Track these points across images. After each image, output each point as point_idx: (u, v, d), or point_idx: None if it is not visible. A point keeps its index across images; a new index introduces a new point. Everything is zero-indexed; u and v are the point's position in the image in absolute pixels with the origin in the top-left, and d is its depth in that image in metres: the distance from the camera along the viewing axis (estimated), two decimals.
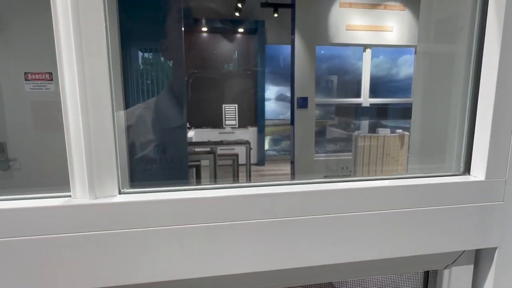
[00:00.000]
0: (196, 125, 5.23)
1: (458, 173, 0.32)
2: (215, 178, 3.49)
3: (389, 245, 0.28)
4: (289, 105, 6.22)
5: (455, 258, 0.30)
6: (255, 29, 5.35)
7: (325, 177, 1.64)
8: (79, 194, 0.20)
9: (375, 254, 0.28)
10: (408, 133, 2.54)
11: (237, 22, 5.16)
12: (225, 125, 5.43)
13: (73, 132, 0.20)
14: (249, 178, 4.00)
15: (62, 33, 0.21)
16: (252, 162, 4.72)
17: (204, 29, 5.15)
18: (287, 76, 6.20)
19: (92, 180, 0.20)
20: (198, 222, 0.21)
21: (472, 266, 0.31)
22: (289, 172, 4.70)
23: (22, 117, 2.53)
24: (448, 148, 0.36)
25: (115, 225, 0.19)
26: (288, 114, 6.23)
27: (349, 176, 2.32)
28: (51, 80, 2.60)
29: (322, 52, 6.23)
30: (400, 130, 2.60)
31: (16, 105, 2.51)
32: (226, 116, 5.47)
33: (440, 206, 0.29)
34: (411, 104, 4.89)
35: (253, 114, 5.64)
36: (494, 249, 0.29)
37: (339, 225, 0.28)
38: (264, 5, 4.71)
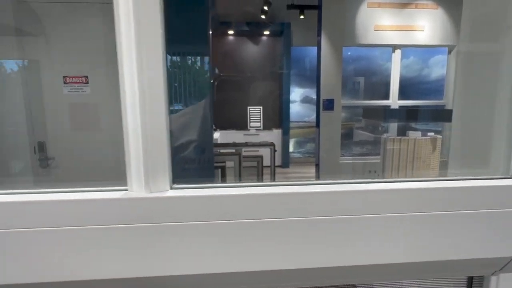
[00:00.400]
0: (221, 127, 5.30)
1: (508, 176, 0.30)
2: (239, 179, 3.52)
3: (432, 248, 0.27)
4: (314, 107, 6.16)
5: (504, 264, 0.28)
6: (281, 31, 5.35)
7: None
8: (135, 188, 0.22)
9: (416, 257, 0.27)
10: (440, 137, 2.43)
11: (263, 25, 5.18)
12: (250, 127, 5.47)
13: (132, 132, 0.21)
14: (273, 180, 4.00)
15: (124, 40, 0.23)
16: (276, 164, 4.71)
17: (231, 32, 5.22)
18: (313, 78, 6.14)
19: (148, 176, 0.22)
20: (242, 217, 0.22)
21: None
22: (314, 174, 4.65)
23: (60, 118, 2.68)
24: (494, 150, 0.34)
25: (167, 218, 0.21)
26: (313, 116, 6.16)
27: None
28: (87, 83, 2.74)
29: (349, 53, 6.12)
30: (432, 133, 2.50)
31: (55, 107, 2.67)
32: (251, 118, 5.50)
33: (488, 209, 0.27)
34: (443, 106, 4.70)
35: (278, 116, 5.64)
36: None
37: (379, 226, 0.27)
38: (290, 7, 4.70)
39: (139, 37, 0.21)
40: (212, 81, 3.61)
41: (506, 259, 0.29)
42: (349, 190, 0.26)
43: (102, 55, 2.66)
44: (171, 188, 0.22)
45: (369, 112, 4.66)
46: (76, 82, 2.69)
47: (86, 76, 2.69)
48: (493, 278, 0.29)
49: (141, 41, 0.21)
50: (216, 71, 5.22)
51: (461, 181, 0.29)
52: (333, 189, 0.23)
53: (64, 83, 2.68)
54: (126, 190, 0.23)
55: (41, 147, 2.77)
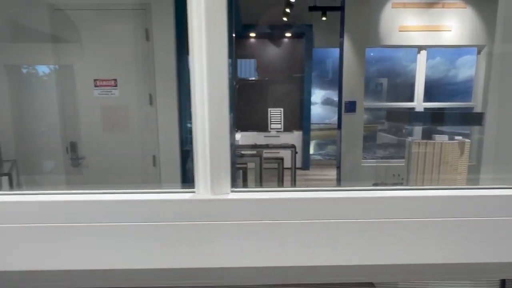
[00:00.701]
0: (242, 129, 5.36)
1: None
2: (260, 181, 3.56)
3: (463, 250, 0.29)
4: (335, 109, 6.10)
5: None
6: (303, 33, 5.35)
7: (374, 184, 1.63)
8: (201, 191, 0.25)
9: (450, 258, 0.29)
10: (468, 140, 2.36)
11: (284, 27, 5.20)
12: (270, 128, 5.49)
13: (201, 142, 0.25)
14: (294, 181, 4.01)
15: (196, 53, 0.26)
16: (297, 166, 4.70)
17: (252, 34, 5.28)
18: (334, 80, 6.09)
19: (212, 181, 0.25)
20: (297, 218, 0.25)
21: None
22: (335, 177, 4.61)
23: (91, 120, 2.82)
24: None
25: (227, 217, 0.24)
26: (334, 118, 6.10)
27: (401, 184, 2.23)
28: (116, 86, 2.86)
29: (372, 54, 6.02)
30: (460, 137, 2.43)
31: (87, 108, 2.81)
32: (272, 120, 5.53)
33: None
34: (471, 108, 4.53)
35: (299, 118, 5.63)
36: None
37: (409, 229, 0.29)
38: (312, 8, 4.70)
39: (208, 48, 0.24)
40: (234, 84, 3.67)
41: None
42: (388, 196, 0.28)
43: (131, 59, 2.77)
44: (231, 192, 0.25)
45: (392, 115, 4.57)
46: (105, 85, 2.81)
47: (115, 79, 2.81)
48: None
49: (210, 53, 0.25)
50: (238, 73, 5.29)
51: (489, 190, 0.30)
52: (378, 195, 0.25)
53: (95, 86, 2.82)
54: (193, 192, 0.26)
55: (73, 147, 2.92)
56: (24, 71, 2.71)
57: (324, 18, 4.70)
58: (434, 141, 2.18)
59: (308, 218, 0.24)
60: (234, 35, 3.22)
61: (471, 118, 2.93)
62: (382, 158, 4.59)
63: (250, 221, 0.24)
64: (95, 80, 2.81)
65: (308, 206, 0.24)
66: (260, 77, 5.59)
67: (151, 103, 2.90)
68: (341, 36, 4.31)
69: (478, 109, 4.27)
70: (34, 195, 0.23)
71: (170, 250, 0.24)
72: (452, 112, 4.34)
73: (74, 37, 2.64)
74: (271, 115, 5.57)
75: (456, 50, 5.16)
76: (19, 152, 2.77)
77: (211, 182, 0.25)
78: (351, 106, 4.29)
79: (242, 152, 3.45)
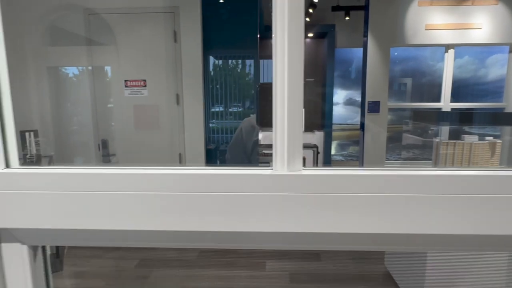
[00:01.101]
0: (264, 128, 5.39)
1: None
2: None
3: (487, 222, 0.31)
4: (357, 109, 6.04)
5: None
6: (325, 33, 5.34)
7: None
8: (278, 168, 0.30)
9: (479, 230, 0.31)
10: (500, 141, 2.30)
11: (307, 27, 5.21)
12: None
13: (280, 125, 0.29)
14: None
15: (279, 42, 0.30)
16: (318, 166, 4.69)
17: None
18: (356, 80, 6.03)
19: (289, 160, 0.30)
20: (358, 192, 0.29)
21: None
22: None
23: (121, 119, 2.95)
24: None
25: (300, 190, 0.28)
26: (356, 118, 6.03)
27: None
28: (145, 86, 2.98)
29: (396, 53, 5.92)
30: (490, 138, 2.37)
31: (118, 107, 2.94)
32: None
33: None
34: (502, 109, 4.37)
35: (320, 118, 5.61)
36: None
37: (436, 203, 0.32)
38: (335, 8, 4.68)
39: (289, 48, 0.29)
40: (257, 86, 3.73)
41: None
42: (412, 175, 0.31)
43: (159, 60, 2.88)
44: (302, 169, 0.30)
45: (420, 115, 4.48)
46: (135, 86, 2.93)
47: (145, 80, 2.93)
48: None
49: (291, 52, 0.29)
50: (261, 73, 5.34)
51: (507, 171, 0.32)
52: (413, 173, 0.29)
53: (125, 86, 2.95)
54: (271, 169, 0.31)
55: (104, 144, 3.07)
56: (63, 72, 2.88)
57: (347, 18, 4.67)
58: (463, 142, 2.15)
59: (367, 192, 0.29)
60: (258, 36, 3.27)
61: (503, 118, 2.84)
62: (406, 159, 4.51)
63: (318, 193, 0.28)
64: (125, 80, 2.94)
65: (366, 182, 0.28)
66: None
67: (178, 103, 3.00)
68: (365, 35, 4.28)
69: (510, 109, 4.12)
70: (84, 169, 0.28)
71: (246, 215, 0.29)
72: (482, 112, 4.21)
73: (107, 40, 2.78)
74: None
75: (486, 48, 5.00)
76: (56, 148, 2.94)
77: (287, 161, 0.30)
78: (374, 107, 4.25)
79: (265, 151, 3.50)
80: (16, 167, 0.30)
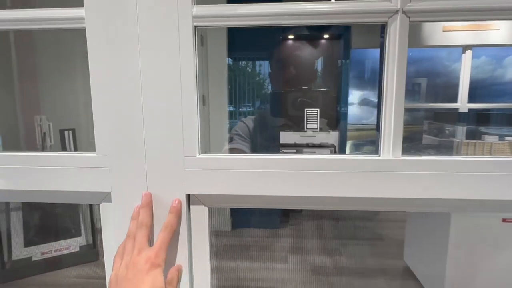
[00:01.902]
0: (280, 128, 5.52)
1: None
2: None
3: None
4: (372, 109, 6.11)
5: None
6: (341, 34, 5.44)
7: None
8: (384, 155, 0.44)
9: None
10: None
11: (323, 28, 5.33)
12: (307, 128, 5.63)
13: (387, 122, 0.43)
14: None
15: (391, 58, 0.44)
16: None
17: (291, 36, 5.45)
18: (372, 80, 6.11)
19: (390, 147, 0.44)
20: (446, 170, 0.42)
21: None
22: None
23: None
24: None
25: (400, 170, 0.42)
26: (371, 119, 6.11)
27: None
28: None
29: (410, 54, 5.97)
30: (510, 138, 2.47)
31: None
32: (308, 120, 5.66)
33: None
34: None
35: (335, 118, 5.72)
36: None
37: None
38: None
39: (399, 57, 0.41)
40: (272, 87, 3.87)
41: None
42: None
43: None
44: (401, 155, 0.43)
45: (433, 115, 4.56)
46: None
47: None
48: None
49: (400, 59, 0.42)
50: (277, 74, 5.47)
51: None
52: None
53: None
54: (378, 156, 0.45)
55: None
56: None
57: None
58: (483, 141, 2.25)
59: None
60: (280, 37, 3.41)
61: None
62: (424, 148, 4.58)
63: (415, 172, 0.42)
64: None
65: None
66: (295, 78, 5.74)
67: (204, 104, 3.16)
68: (382, 36, 4.37)
69: None
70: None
71: (344, 188, 0.43)
72: (498, 113, 4.27)
73: None
74: (308, 115, 5.70)
75: (503, 49, 5.03)
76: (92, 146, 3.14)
77: (392, 148, 0.43)
78: None
79: (284, 150, 3.64)
80: (201, 154, 0.46)
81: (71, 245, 2.79)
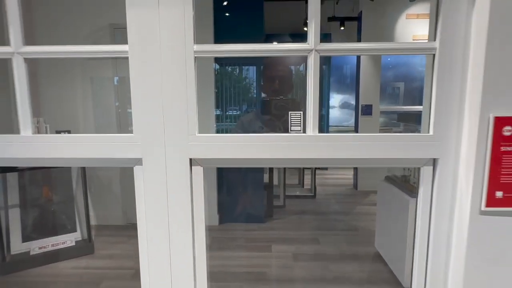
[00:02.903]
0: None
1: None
2: (284, 177, 4.03)
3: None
4: (352, 112, 6.52)
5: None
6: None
7: (386, 177, 2.17)
8: (308, 132, 0.75)
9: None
10: None
11: (305, 36, 5.70)
12: (291, 130, 5.97)
13: (311, 110, 0.74)
14: (314, 180, 4.45)
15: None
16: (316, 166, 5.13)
17: (274, 43, 5.80)
18: (351, 85, 6.53)
19: (311, 128, 0.74)
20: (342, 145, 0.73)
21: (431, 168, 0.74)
22: (351, 177, 5.03)
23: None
24: None
25: (315, 141, 0.73)
26: (351, 121, 6.52)
27: (409, 176, 2.65)
28: None
29: (389, 59, 6.43)
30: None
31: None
32: (292, 122, 6.01)
33: None
34: None
35: (318, 121, 6.09)
36: (437, 159, 0.71)
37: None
38: (331, 19, 5.18)
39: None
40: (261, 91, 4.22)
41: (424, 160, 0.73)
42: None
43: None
44: (317, 133, 0.75)
45: (406, 117, 4.97)
46: None
47: None
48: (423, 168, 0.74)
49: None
50: (263, 80, 5.80)
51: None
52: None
53: None
54: (304, 133, 0.76)
55: None
56: (98, 81, 3.31)
57: (342, 28, 5.16)
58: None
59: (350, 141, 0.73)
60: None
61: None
62: None
63: (323, 142, 0.73)
64: None
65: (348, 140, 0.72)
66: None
67: None
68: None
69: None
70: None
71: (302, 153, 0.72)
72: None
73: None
74: (292, 118, 6.04)
75: None
76: None
77: (312, 128, 0.74)
78: (367, 109, 4.73)
79: None
80: (199, 134, 0.76)
81: (67, 239, 3.01)
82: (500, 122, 0.66)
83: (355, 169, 4.88)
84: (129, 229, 3.51)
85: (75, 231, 3.11)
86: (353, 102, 6.25)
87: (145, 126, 0.75)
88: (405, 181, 2.57)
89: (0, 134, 0.77)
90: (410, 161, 0.75)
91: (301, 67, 6.44)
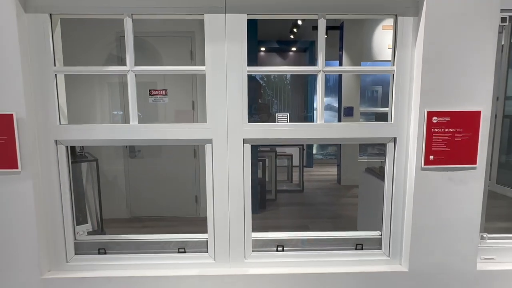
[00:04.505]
0: None
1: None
2: (275, 173, 4.50)
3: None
4: (335, 113, 7.10)
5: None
6: (306, 48, 6.38)
7: (367, 169, 2.77)
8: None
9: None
10: None
11: (291, 43, 6.23)
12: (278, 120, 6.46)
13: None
14: (302, 176, 4.94)
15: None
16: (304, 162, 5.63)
17: (263, 49, 6.29)
18: (334, 88, 7.11)
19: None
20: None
21: None
22: (335, 173, 5.57)
23: (152, 120, 3.74)
24: None
25: (295, 128, 1.19)
26: (335, 121, 7.09)
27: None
28: (166, 95, 3.83)
29: (368, 64, 7.05)
30: None
31: (144, 112, 3.75)
32: (279, 117, 6.51)
33: None
34: None
35: (303, 122, 6.62)
36: (396, 138, 1.20)
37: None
38: (315, 28, 5.71)
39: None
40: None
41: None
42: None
43: (180, 74, 3.73)
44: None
45: (382, 117, 5.58)
46: (158, 94, 3.76)
47: (166, 90, 3.77)
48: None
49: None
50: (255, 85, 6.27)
51: None
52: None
53: (150, 94, 3.77)
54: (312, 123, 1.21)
55: None
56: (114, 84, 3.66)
57: (325, 36, 5.71)
58: None
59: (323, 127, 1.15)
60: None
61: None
62: (375, 154, 5.55)
63: (298, 129, 1.18)
64: (149, 90, 3.78)
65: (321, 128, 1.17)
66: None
67: (193, 108, 3.87)
68: (340, 50, 5.35)
69: None
70: None
71: None
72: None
73: (136, 58, 3.61)
74: (279, 119, 6.54)
75: None
76: (92, 149, 3.71)
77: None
78: (349, 111, 5.29)
79: (260, 148, 4.41)
80: (248, 124, 1.21)
81: (79, 231, 3.34)
82: (430, 114, 1.16)
83: (338, 166, 5.41)
84: (134, 221, 3.87)
85: (86, 222, 3.44)
86: (336, 104, 6.82)
87: (215, 118, 1.20)
88: (382, 171, 3.09)
89: (116, 124, 1.19)
90: (381, 139, 1.23)
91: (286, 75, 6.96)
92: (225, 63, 1.17)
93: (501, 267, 1.24)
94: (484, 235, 1.28)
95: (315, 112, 6.76)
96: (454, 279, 1.23)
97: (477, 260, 1.26)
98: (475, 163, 1.17)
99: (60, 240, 1.24)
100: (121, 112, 3.78)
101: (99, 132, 1.18)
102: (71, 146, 3.45)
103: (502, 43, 1.24)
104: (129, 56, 1.16)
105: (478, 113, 1.16)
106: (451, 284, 1.23)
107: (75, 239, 1.29)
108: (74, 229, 1.30)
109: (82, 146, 3.40)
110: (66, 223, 1.25)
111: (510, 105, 2.48)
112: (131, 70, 1.17)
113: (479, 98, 1.15)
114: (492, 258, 1.29)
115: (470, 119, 1.15)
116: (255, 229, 1.35)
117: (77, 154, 3.37)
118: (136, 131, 1.18)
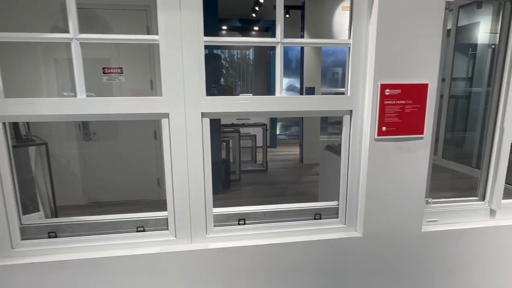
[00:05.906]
0: None
1: None
2: (239, 154, 4.50)
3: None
4: (297, 94, 7.20)
5: None
6: (269, 27, 6.32)
7: (327, 146, 2.84)
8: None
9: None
10: None
11: (253, 21, 6.13)
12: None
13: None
14: (265, 155, 5.00)
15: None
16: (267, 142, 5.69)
17: (224, 27, 6.14)
18: (296, 69, 7.18)
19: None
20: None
21: None
22: (298, 153, 5.70)
23: None
24: None
25: (261, 100, 1.19)
26: None
27: None
28: (122, 73, 3.64)
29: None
30: None
31: (98, 92, 3.54)
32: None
33: None
34: None
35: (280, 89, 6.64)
36: (352, 110, 1.23)
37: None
38: None
39: None
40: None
41: None
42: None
43: (135, 51, 3.54)
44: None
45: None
46: (112, 73, 3.56)
47: (121, 68, 3.57)
48: None
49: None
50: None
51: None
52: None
53: (103, 73, 3.56)
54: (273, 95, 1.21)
55: (85, 124, 3.66)
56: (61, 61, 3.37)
57: (287, 16, 5.70)
58: None
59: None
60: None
61: None
62: (335, 134, 5.75)
63: (265, 102, 1.19)
64: (103, 68, 3.56)
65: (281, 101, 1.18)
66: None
67: (152, 88, 3.72)
68: (302, 31, 5.36)
69: None
70: None
71: None
72: None
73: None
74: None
75: None
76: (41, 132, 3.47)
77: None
78: (310, 91, 5.39)
79: (224, 129, 4.38)
80: (206, 97, 1.18)
81: (31, 219, 3.14)
82: (384, 87, 1.20)
83: (301, 146, 5.54)
84: (93, 207, 3.71)
85: (38, 210, 3.24)
86: (298, 85, 6.90)
87: (171, 91, 1.15)
88: (340, 148, 3.22)
89: (62, 98, 1.10)
90: (338, 112, 1.27)
91: (248, 52, 6.89)
92: (180, 33, 1.12)
93: (443, 228, 1.36)
94: (429, 200, 1.39)
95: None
96: (402, 240, 1.33)
97: (422, 223, 1.37)
98: (423, 133, 1.25)
99: (3, 225, 1.16)
100: (72, 94, 3.53)
101: (42, 107, 1.08)
102: (15, 128, 3.15)
103: (449, 27, 1.31)
104: (72, 22, 1.06)
105: (425, 86, 1.22)
106: (399, 245, 1.33)
107: (20, 223, 1.21)
108: (19, 213, 1.21)
109: (28, 129, 3.15)
110: (8, 206, 1.16)
111: (455, 85, 2.67)
112: (75, 38, 1.07)
113: (427, 72, 1.21)
114: (436, 220, 1.40)
115: (419, 92, 1.22)
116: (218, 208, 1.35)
117: (23, 138, 3.13)
118: (85, 105, 1.10)
